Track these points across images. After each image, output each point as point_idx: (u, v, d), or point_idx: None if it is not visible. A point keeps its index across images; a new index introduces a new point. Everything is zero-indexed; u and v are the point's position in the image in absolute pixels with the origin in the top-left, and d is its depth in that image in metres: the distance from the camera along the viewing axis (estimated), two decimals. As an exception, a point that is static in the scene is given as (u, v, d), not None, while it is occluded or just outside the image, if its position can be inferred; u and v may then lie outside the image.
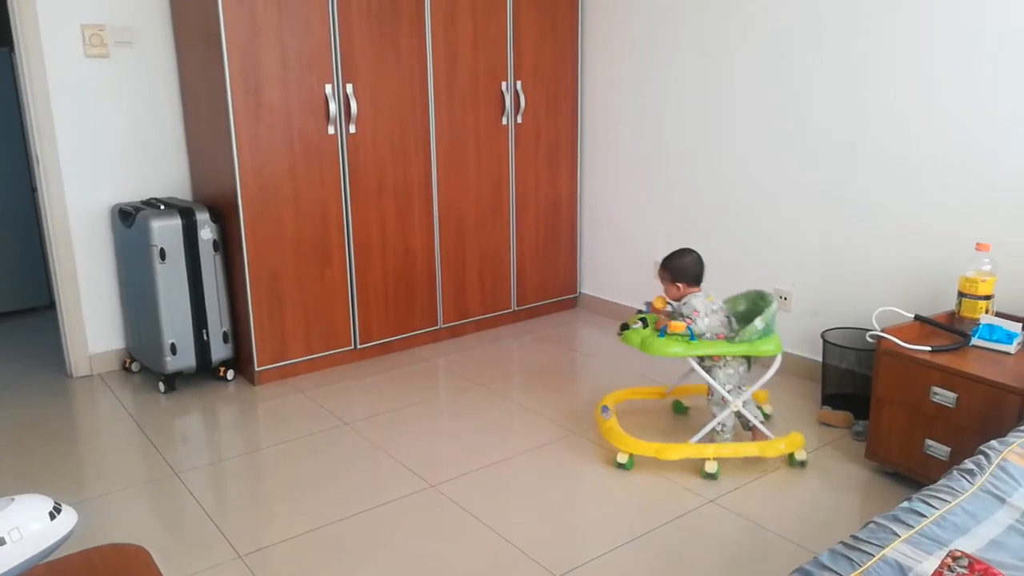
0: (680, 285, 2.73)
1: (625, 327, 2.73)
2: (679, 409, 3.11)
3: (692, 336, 2.60)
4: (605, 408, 2.88)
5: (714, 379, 2.68)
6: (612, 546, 2.24)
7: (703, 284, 2.77)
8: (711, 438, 2.72)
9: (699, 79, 3.64)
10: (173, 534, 2.35)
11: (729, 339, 2.65)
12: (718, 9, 3.49)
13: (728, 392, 2.67)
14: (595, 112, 4.21)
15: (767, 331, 2.61)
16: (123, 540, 1.70)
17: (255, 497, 2.57)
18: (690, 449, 2.63)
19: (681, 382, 3.04)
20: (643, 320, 2.74)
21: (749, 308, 2.79)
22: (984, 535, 1.49)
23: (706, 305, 2.68)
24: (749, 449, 2.64)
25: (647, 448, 2.63)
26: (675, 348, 2.59)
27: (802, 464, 2.66)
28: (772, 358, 2.67)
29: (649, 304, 2.80)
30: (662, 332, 2.61)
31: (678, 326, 2.60)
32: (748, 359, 2.72)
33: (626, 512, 2.42)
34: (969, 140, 2.77)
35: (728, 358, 2.68)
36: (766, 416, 2.97)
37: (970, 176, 2.78)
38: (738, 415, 2.72)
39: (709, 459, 2.61)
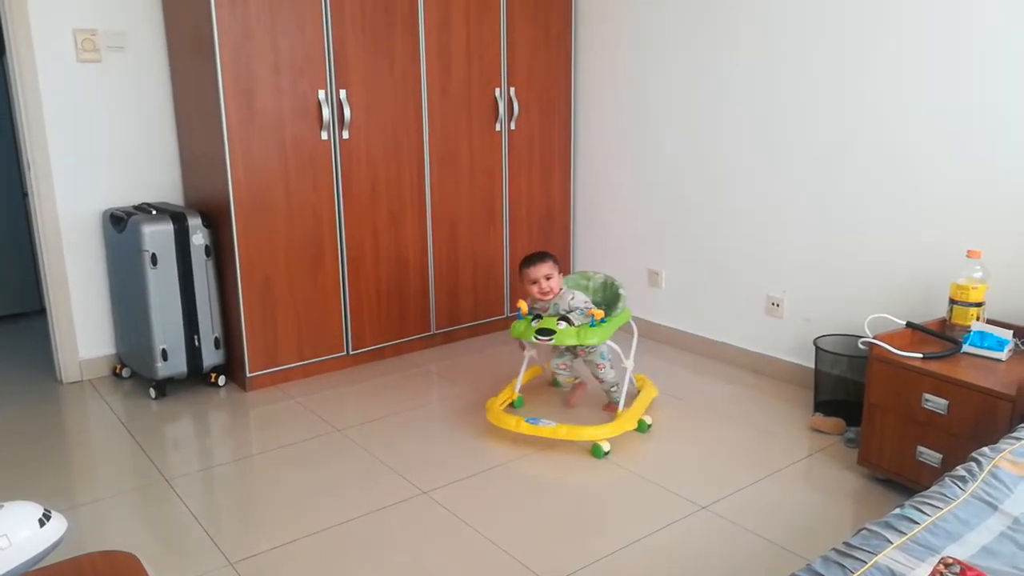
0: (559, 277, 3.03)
1: (546, 332, 2.84)
2: (518, 403, 3.24)
3: (604, 320, 2.91)
4: (534, 419, 2.90)
5: (604, 351, 3.06)
6: (605, 552, 2.23)
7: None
8: (614, 397, 3.10)
9: (691, 87, 3.65)
10: (163, 541, 2.33)
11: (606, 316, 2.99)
12: (710, 17, 3.51)
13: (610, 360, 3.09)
14: (588, 119, 4.21)
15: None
16: (113, 547, 1.69)
17: (246, 504, 2.55)
18: (634, 412, 2.97)
19: (521, 376, 3.24)
20: (564, 319, 2.88)
21: (574, 286, 3.18)
22: (976, 542, 1.49)
23: (582, 294, 3.07)
24: (649, 394, 3.16)
25: (608, 431, 2.83)
26: (606, 332, 2.88)
27: (649, 427, 3.00)
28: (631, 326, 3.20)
29: (519, 310, 3.00)
30: (592, 322, 2.86)
31: (599, 313, 2.89)
32: None
33: (619, 518, 2.42)
34: (961, 147, 2.78)
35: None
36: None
37: (962, 183, 2.80)
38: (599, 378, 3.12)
39: (645, 415, 3.01)
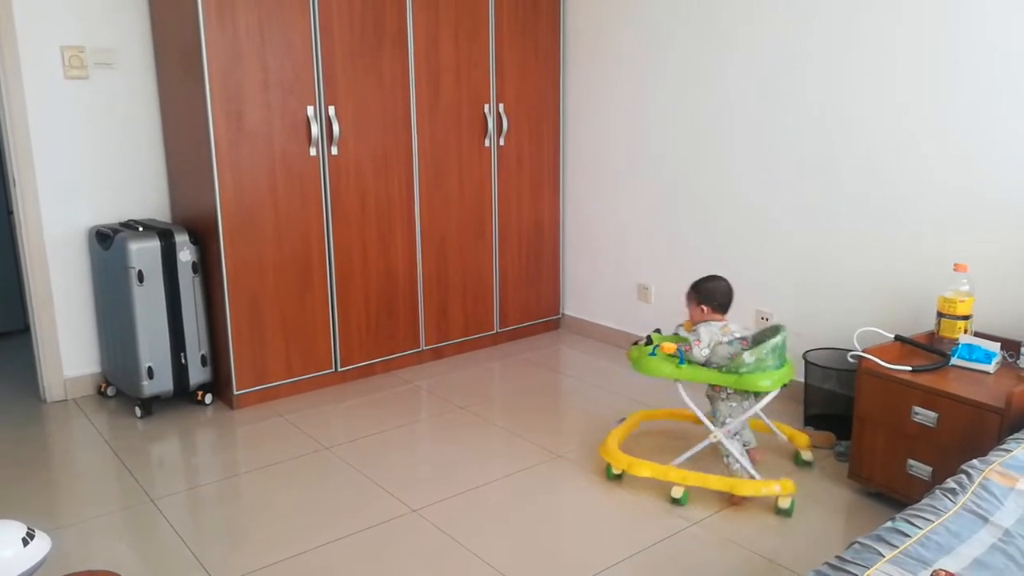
0: (705, 308, 2.67)
1: (646, 341, 2.69)
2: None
3: (682, 360, 2.57)
4: (621, 419, 2.92)
5: (715, 410, 2.65)
6: (597, 569, 2.22)
7: (728, 314, 2.71)
8: (726, 467, 2.65)
9: (680, 103, 3.67)
10: (149, 562, 2.30)
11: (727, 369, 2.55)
12: (699, 34, 3.54)
13: (724, 423, 2.61)
14: (577, 134, 4.23)
15: (760, 365, 2.47)
16: (98, 568, 1.66)
17: (233, 523, 2.52)
18: (656, 469, 2.60)
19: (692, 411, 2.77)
20: (649, 338, 2.70)
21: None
22: (968, 554, 1.49)
23: (712, 335, 2.59)
24: (719, 483, 2.54)
25: (621, 461, 2.67)
26: (663, 369, 2.57)
27: (787, 513, 2.50)
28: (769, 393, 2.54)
29: (680, 326, 2.80)
30: (653, 352, 2.60)
31: (669, 347, 2.58)
32: (753, 394, 2.62)
33: (609, 536, 2.40)
34: (948, 162, 2.81)
35: (730, 390, 2.61)
36: (806, 462, 2.82)
37: (948, 197, 2.82)
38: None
39: (676, 484, 2.58)
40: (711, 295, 2.68)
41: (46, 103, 3.31)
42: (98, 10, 3.38)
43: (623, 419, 2.95)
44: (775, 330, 2.61)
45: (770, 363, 2.49)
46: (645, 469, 2.62)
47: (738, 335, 2.62)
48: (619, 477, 2.72)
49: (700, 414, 2.63)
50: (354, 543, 2.37)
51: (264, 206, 3.32)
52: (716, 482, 2.54)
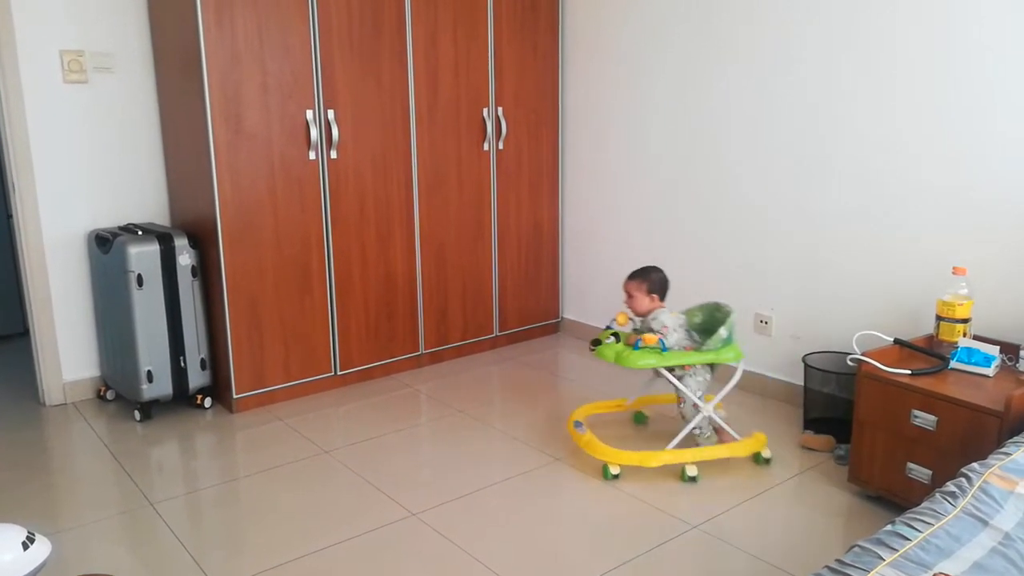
0: (655, 297, 2.89)
1: (597, 343, 2.82)
2: (639, 419, 3.24)
3: (664, 348, 2.73)
4: (578, 423, 2.94)
5: (685, 387, 2.83)
6: (596, 572, 2.21)
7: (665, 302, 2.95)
8: (694, 442, 2.88)
9: (679, 105, 3.68)
10: (148, 566, 2.29)
11: (696, 349, 2.82)
12: (698, 36, 3.54)
13: (698, 399, 2.84)
14: (576, 136, 4.24)
15: (729, 340, 2.80)
16: (97, 572, 1.66)
17: (232, 527, 2.52)
18: (670, 455, 2.74)
19: (642, 393, 3.18)
20: (615, 335, 2.83)
21: (706, 320, 2.96)
22: (968, 557, 1.49)
23: (673, 320, 2.86)
24: (721, 451, 2.80)
25: (631, 458, 2.72)
26: (649, 360, 2.71)
27: (767, 461, 2.84)
28: (734, 366, 2.86)
29: (614, 320, 2.91)
30: (636, 345, 2.72)
31: (651, 339, 2.73)
32: (712, 367, 2.90)
33: (610, 539, 2.40)
34: (947, 164, 2.81)
35: (696, 367, 2.85)
36: (766, 460, 2.91)
37: (948, 200, 2.82)
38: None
39: (688, 463, 2.74)
40: (661, 285, 2.91)
41: (45, 107, 3.31)
42: (97, 14, 3.38)
43: (581, 423, 2.94)
44: (710, 309, 2.94)
45: (731, 338, 2.82)
46: (654, 460, 2.72)
47: (681, 319, 2.91)
48: (616, 477, 2.75)
49: (689, 394, 2.82)
50: (354, 547, 2.37)
51: (263, 210, 3.32)
52: (721, 451, 2.80)
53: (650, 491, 2.67)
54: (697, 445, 2.87)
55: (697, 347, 2.84)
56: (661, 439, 2.96)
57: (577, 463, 2.88)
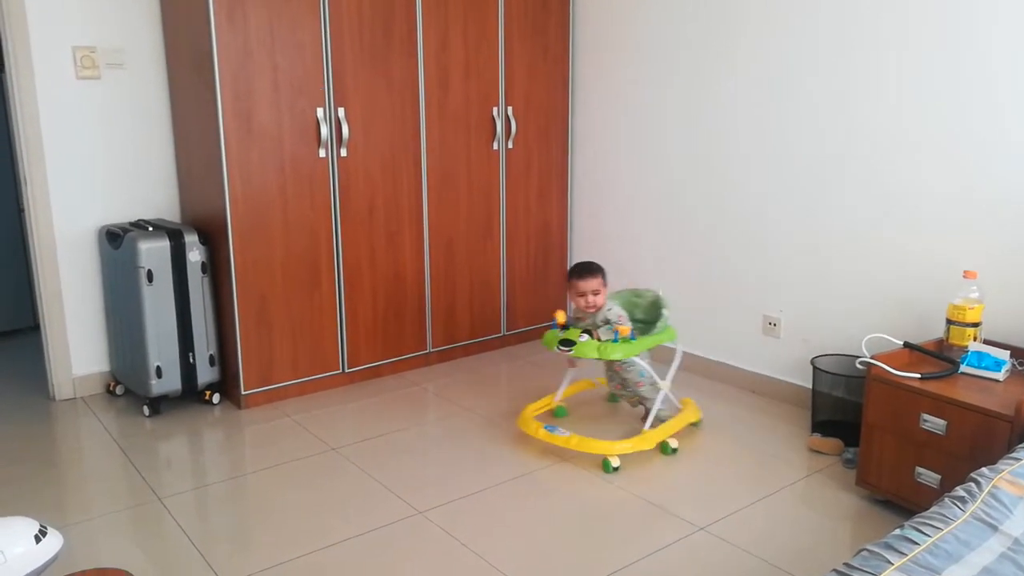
0: (606, 289, 3.01)
1: (567, 344, 2.87)
2: (559, 413, 3.30)
3: (633, 336, 2.88)
4: (551, 426, 2.93)
5: (638, 372, 3.02)
6: (604, 574, 2.21)
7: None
8: (658, 419, 3.01)
9: (689, 105, 3.67)
10: (156, 561, 2.30)
11: (645, 333, 3.03)
12: (709, 36, 3.53)
13: (657, 379, 3.03)
14: (586, 137, 4.23)
15: (665, 322, 3.06)
16: (105, 567, 1.67)
17: (239, 523, 2.53)
18: (658, 433, 2.91)
19: (566, 385, 3.25)
20: (587, 332, 2.90)
21: (624, 305, 3.13)
22: (977, 563, 1.48)
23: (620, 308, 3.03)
24: (684, 419, 3.05)
25: (624, 447, 2.82)
26: (632, 349, 2.85)
27: (695, 424, 3.13)
28: (673, 346, 3.14)
29: (556, 320, 2.99)
30: (615, 338, 2.85)
31: (625, 330, 2.87)
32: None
33: (616, 540, 2.40)
34: (959, 168, 2.80)
35: (644, 352, 3.00)
36: (673, 450, 3.04)
37: (959, 204, 2.81)
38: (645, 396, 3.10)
39: (671, 438, 2.96)
40: (605, 275, 3.03)
41: (58, 103, 3.33)
42: (110, 11, 3.40)
43: (555, 427, 2.94)
44: (633, 294, 3.22)
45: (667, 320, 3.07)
46: (648, 442, 2.86)
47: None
48: (617, 469, 2.79)
49: (653, 374, 3.00)
50: (360, 544, 2.37)
51: (273, 207, 3.33)
52: (684, 419, 3.06)
53: (655, 491, 2.66)
54: (661, 420, 3.02)
55: (646, 331, 3.06)
56: (613, 423, 3.21)
57: (586, 462, 2.88)
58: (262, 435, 3.17)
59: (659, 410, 3.00)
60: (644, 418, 3.01)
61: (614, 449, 2.82)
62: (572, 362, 3.13)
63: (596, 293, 2.98)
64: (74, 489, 2.76)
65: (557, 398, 3.23)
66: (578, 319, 3.09)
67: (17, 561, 0.99)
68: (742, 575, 2.22)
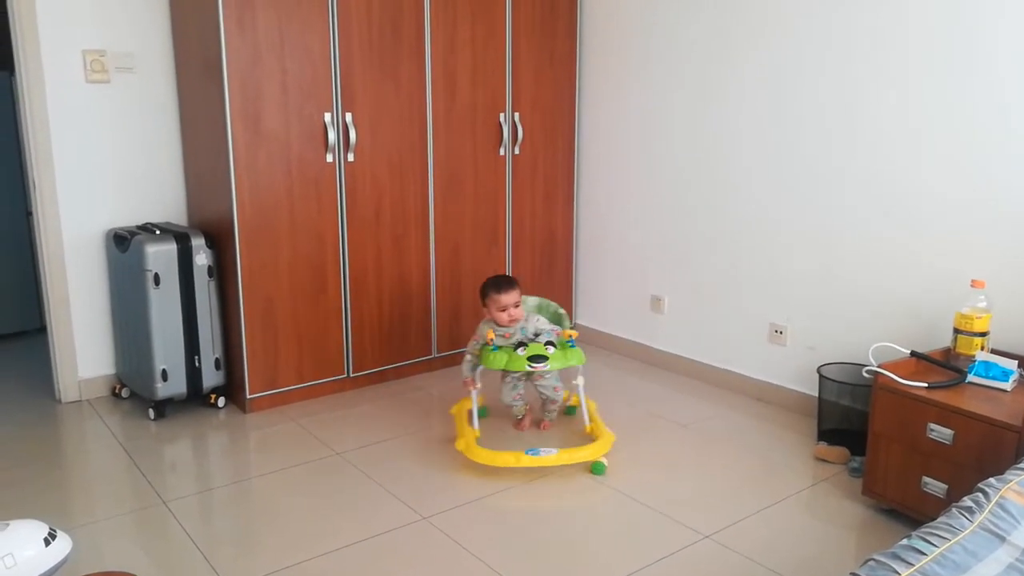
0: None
1: (540, 359, 2.85)
2: (482, 413, 3.26)
3: (572, 343, 2.95)
4: (532, 449, 2.83)
5: (552, 378, 3.11)
6: (607, 581, 2.21)
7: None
8: (551, 416, 3.20)
9: (696, 112, 3.67)
10: (160, 564, 2.30)
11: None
12: (716, 44, 3.54)
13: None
14: (592, 144, 4.24)
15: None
16: (113, 570, 1.67)
17: (244, 527, 2.53)
18: (606, 432, 2.98)
19: (475, 410, 3.15)
20: (551, 344, 2.91)
21: (536, 311, 3.23)
22: (984, 574, 1.48)
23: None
24: (591, 405, 3.21)
25: (600, 448, 2.87)
26: (580, 354, 2.94)
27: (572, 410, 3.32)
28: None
29: (489, 339, 2.95)
30: (572, 343, 2.92)
31: (573, 333, 2.96)
32: None
33: (621, 548, 2.39)
34: (966, 176, 2.79)
35: None
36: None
37: (966, 213, 2.80)
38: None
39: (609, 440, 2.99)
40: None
41: (67, 106, 3.35)
42: (120, 15, 3.41)
43: (537, 449, 2.87)
44: (538, 301, 3.31)
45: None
46: (607, 439, 2.93)
47: None
48: (603, 467, 2.85)
49: (579, 377, 3.07)
50: (364, 549, 2.37)
51: (280, 211, 3.33)
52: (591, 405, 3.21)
53: (660, 498, 2.66)
54: (565, 412, 3.29)
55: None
56: (550, 432, 3.22)
57: (588, 469, 2.87)
58: (267, 439, 3.17)
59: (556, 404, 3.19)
60: (543, 420, 3.22)
61: (599, 451, 2.87)
62: (474, 382, 3.11)
63: (517, 306, 2.99)
64: (79, 492, 2.77)
65: (476, 425, 3.07)
66: (498, 337, 3.00)
67: (27, 564, 0.99)
68: (747, 584, 2.21)
